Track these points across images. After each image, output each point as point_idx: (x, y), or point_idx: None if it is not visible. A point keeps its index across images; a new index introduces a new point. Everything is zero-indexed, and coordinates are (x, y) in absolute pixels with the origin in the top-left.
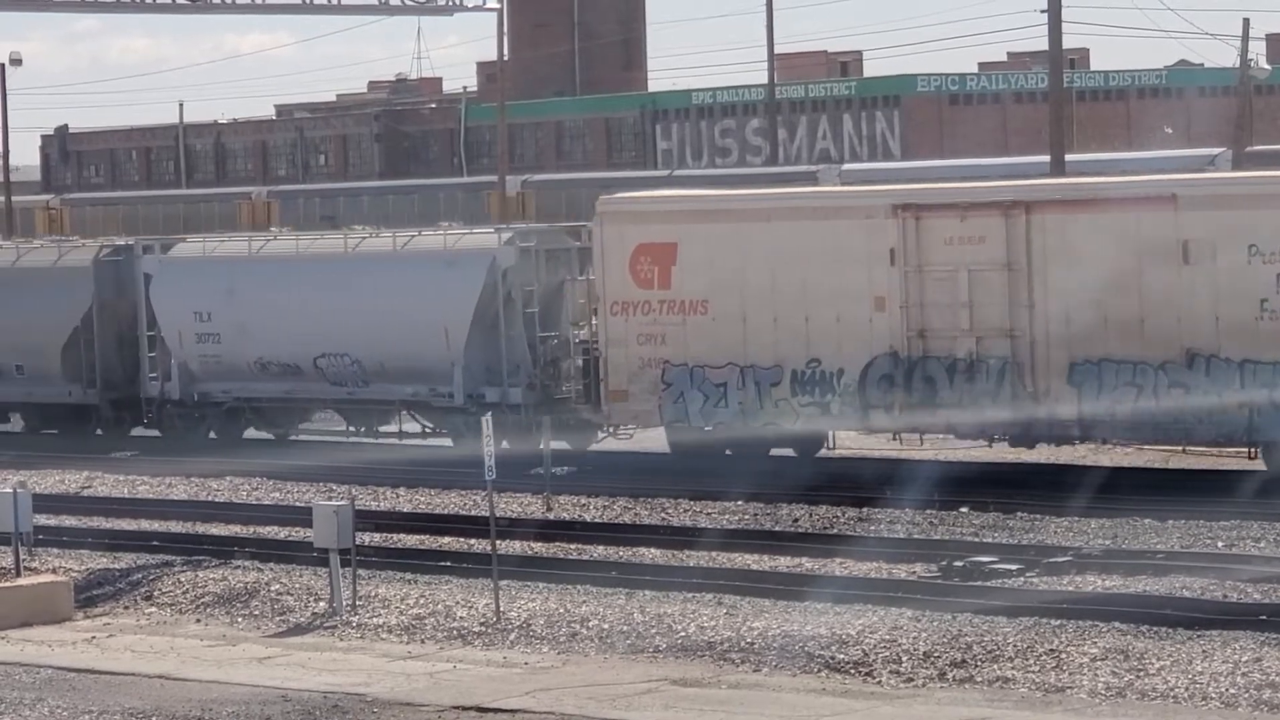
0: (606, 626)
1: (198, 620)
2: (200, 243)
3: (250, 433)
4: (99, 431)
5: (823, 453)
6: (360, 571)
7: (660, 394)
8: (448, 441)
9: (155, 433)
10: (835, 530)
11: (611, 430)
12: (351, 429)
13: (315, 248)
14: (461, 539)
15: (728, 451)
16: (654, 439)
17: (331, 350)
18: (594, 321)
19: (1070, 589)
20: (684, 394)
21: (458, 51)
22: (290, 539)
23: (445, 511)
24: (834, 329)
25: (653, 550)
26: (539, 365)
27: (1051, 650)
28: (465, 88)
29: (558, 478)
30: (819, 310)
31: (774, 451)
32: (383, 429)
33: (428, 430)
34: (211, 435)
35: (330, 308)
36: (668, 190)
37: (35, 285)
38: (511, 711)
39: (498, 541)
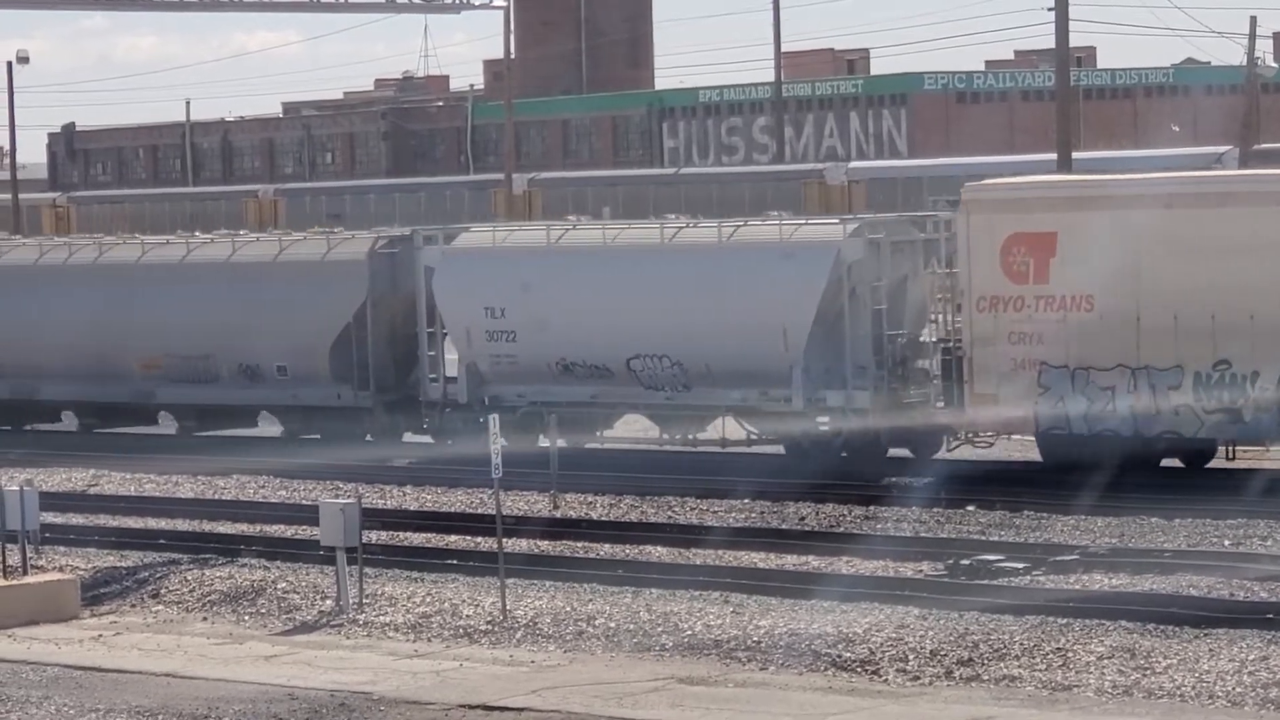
0: (613, 625)
1: (204, 618)
2: (489, 232)
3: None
4: (369, 438)
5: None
6: (367, 570)
7: (1036, 399)
8: (778, 449)
9: (428, 439)
10: (842, 528)
11: (968, 437)
12: (665, 436)
13: (625, 238)
14: (468, 537)
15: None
16: (1016, 446)
17: (647, 351)
18: (949, 319)
19: (1077, 587)
20: (1064, 399)
21: (464, 50)
22: (297, 537)
23: (452, 510)
24: (1247, 327)
25: (659, 548)
26: (886, 367)
27: (1058, 649)
28: (472, 86)
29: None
30: (1229, 306)
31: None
32: (701, 436)
33: (754, 438)
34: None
35: (645, 305)
36: (1045, 175)
37: (302, 280)
38: (518, 710)
39: (504, 540)
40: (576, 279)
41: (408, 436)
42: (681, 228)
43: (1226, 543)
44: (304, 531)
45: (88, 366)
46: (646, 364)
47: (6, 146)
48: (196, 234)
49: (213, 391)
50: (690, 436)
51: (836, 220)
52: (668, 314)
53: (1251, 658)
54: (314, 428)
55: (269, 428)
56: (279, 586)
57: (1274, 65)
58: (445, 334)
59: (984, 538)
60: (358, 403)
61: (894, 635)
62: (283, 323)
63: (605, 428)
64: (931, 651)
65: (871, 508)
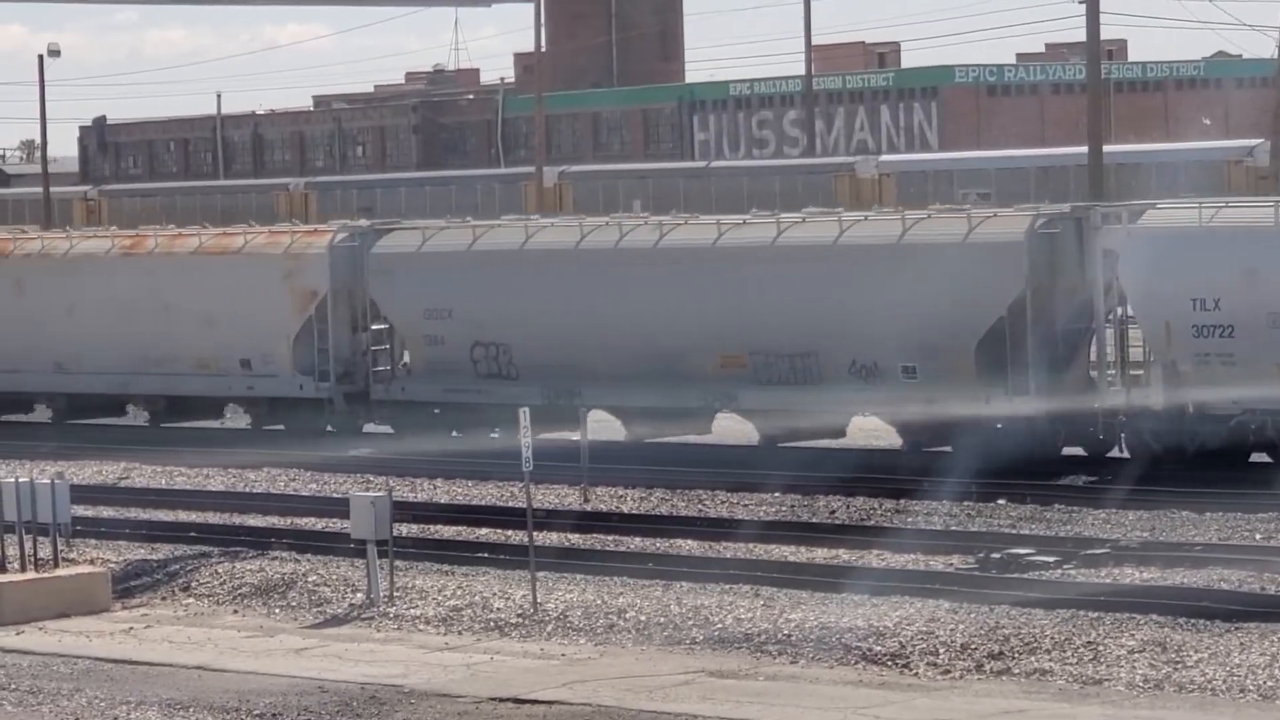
0: (644, 618)
1: (235, 611)
2: (1193, 209)
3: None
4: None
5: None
6: (397, 563)
7: None
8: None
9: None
10: (872, 522)
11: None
12: None
13: None
14: (499, 530)
15: None
16: None
17: None
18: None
19: (1108, 581)
20: None
21: (495, 43)
22: (328, 530)
23: (482, 503)
24: None
25: (690, 542)
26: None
27: (1089, 642)
28: (503, 79)
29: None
30: None
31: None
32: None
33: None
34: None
35: None
36: None
37: (934, 265)
38: (548, 703)
39: (535, 533)
40: None
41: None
42: None
43: (1258, 536)
44: (335, 524)
45: (637, 366)
46: None
47: (38, 140)
48: (778, 214)
49: (811, 395)
50: None
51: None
52: None
53: None
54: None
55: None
56: (310, 579)
57: None
58: (1125, 327)
59: (1015, 531)
60: (1015, 410)
61: (924, 629)
62: (909, 315)
63: None
64: (962, 645)
65: (902, 501)
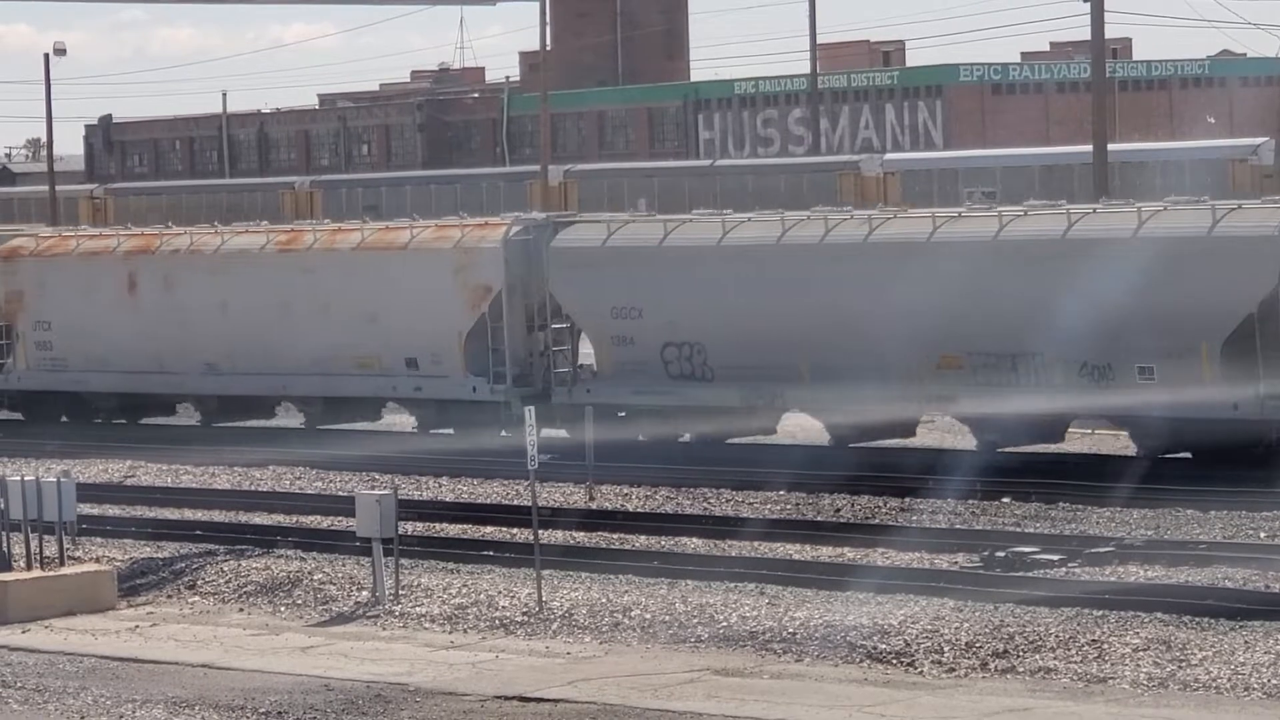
0: (649, 616)
1: (241, 609)
2: None
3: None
4: None
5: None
6: (403, 561)
7: None
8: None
9: None
10: (877, 520)
11: None
12: None
13: None
14: (504, 529)
15: None
16: None
17: None
18: None
19: (1112, 579)
20: None
21: (500, 41)
22: (333, 528)
23: (488, 501)
24: None
25: (695, 540)
26: None
27: (1094, 641)
28: (508, 77)
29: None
30: None
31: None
32: None
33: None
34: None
35: None
36: None
37: (1177, 257)
38: (554, 701)
39: (540, 531)
40: None
41: None
42: None
43: (1262, 535)
44: (340, 523)
45: (843, 367)
46: None
47: (44, 138)
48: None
49: (1035, 398)
50: None
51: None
52: None
53: None
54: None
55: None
56: (315, 578)
57: None
58: None
59: (1019, 529)
60: (1266, 414)
61: (929, 627)
62: (1145, 312)
63: None
64: (967, 643)
65: (906, 499)
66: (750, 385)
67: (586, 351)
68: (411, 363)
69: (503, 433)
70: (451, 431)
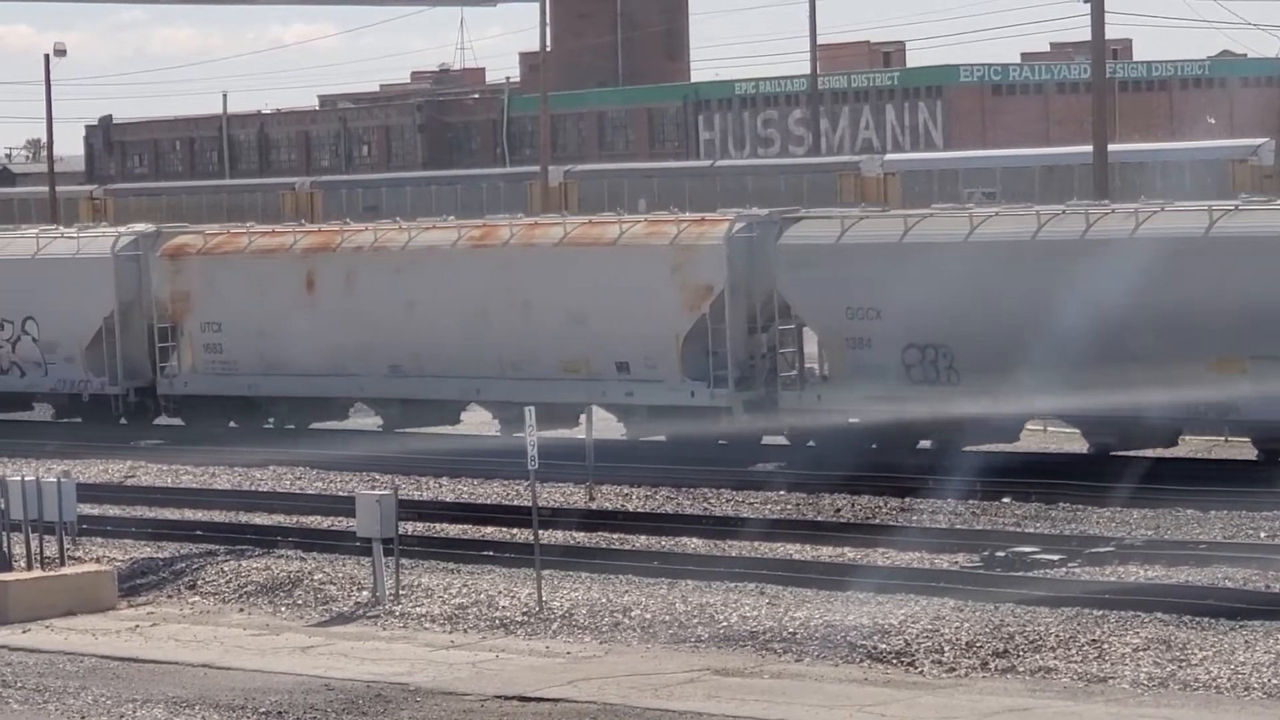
0: (649, 616)
1: (241, 609)
2: None
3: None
4: None
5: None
6: (403, 561)
7: None
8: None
9: None
10: (877, 520)
11: None
12: None
13: None
14: (504, 529)
15: None
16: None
17: None
18: None
19: (1113, 579)
20: None
21: (500, 42)
22: (333, 528)
23: (488, 501)
24: None
25: (695, 540)
26: None
27: (1094, 640)
28: (508, 78)
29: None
30: None
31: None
32: None
33: None
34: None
35: None
36: None
37: None
38: (554, 701)
39: (540, 531)
40: None
41: None
42: None
43: (1262, 535)
44: (340, 523)
45: (1102, 370)
46: None
47: (44, 139)
48: None
49: None
50: None
51: None
52: None
53: None
54: None
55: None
56: (315, 578)
57: None
58: None
59: (1020, 529)
60: None
61: (929, 627)
62: None
63: None
64: (967, 643)
65: (907, 499)
66: (998, 389)
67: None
68: (623, 366)
69: (720, 441)
70: (663, 439)
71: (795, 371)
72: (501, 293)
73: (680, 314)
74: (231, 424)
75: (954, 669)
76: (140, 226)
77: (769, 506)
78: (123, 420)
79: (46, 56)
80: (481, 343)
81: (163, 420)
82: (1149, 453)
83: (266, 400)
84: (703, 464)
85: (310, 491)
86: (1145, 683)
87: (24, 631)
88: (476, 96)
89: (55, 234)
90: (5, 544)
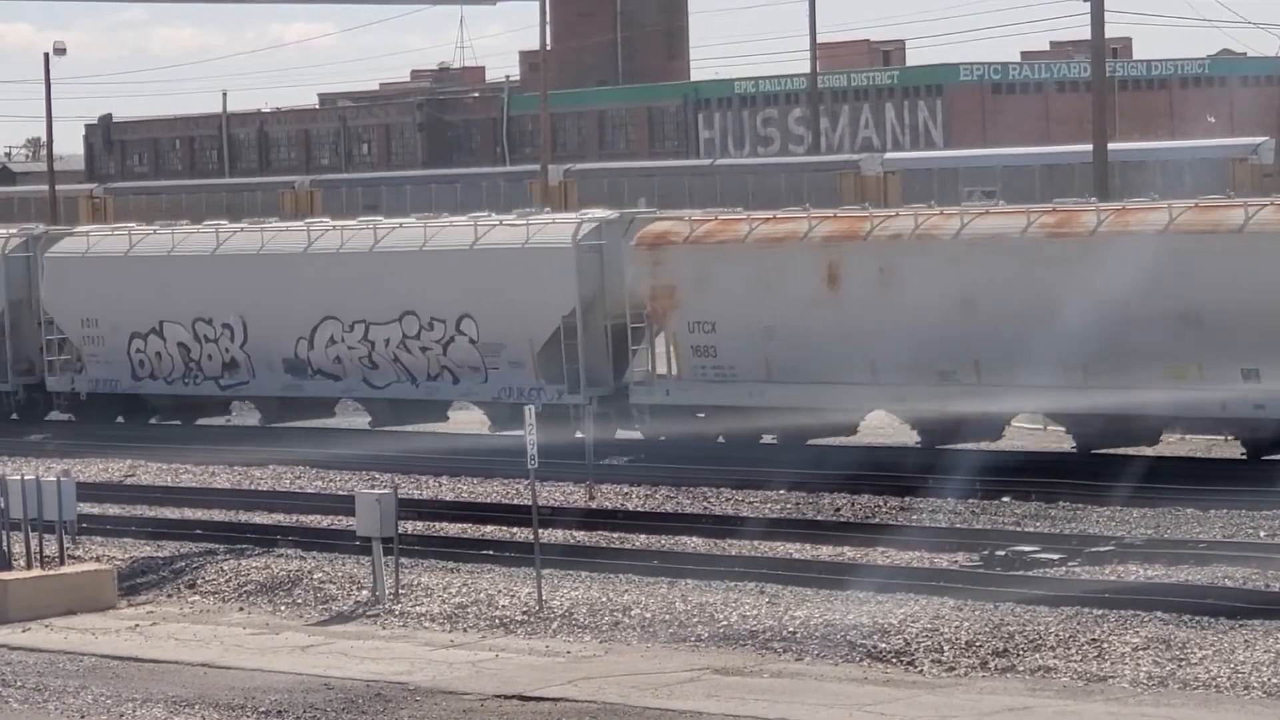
0: (649, 615)
1: (241, 608)
2: None
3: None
4: None
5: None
6: (403, 560)
7: None
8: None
9: None
10: (877, 519)
11: None
12: None
13: None
14: (504, 528)
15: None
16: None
17: None
18: None
19: (1112, 578)
20: None
21: (500, 41)
22: (333, 527)
23: (488, 500)
24: None
25: (695, 539)
26: None
27: (1093, 640)
28: (508, 77)
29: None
30: None
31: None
32: None
33: None
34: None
35: None
36: None
37: None
38: (554, 700)
39: (540, 530)
40: None
41: None
42: None
43: (1262, 534)
44: (340, 522)
45: None
46: None
47: (44, 138)
48: None
49: None
50: None
51: None
52: None
53: None
54: None
55: None
56: (315, 577)
57: None
58: None
59: (1019, 529)
60: None
61: (929, 626)
62: None
63: None
64: (967, 642)
65: (907, 499)
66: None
67: None
68: (1250, 374)
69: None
70: None
71: None
72: (1077, 289)
73: None
74: (719, 439)
75: (954, 668)
76: (601, 212)
77: (769, 506)
78: (578, 434)
79: (46, 55)
80: (1052, 345)
81: (625, 434)
82: (1148, 452)
83: (759, 410)
84: (702, 463)
85: (310, 490)
86: (1145, 682)
87: (24, 630)
88: (476, 95)
89: (493, 222)
90: (5, 543)
